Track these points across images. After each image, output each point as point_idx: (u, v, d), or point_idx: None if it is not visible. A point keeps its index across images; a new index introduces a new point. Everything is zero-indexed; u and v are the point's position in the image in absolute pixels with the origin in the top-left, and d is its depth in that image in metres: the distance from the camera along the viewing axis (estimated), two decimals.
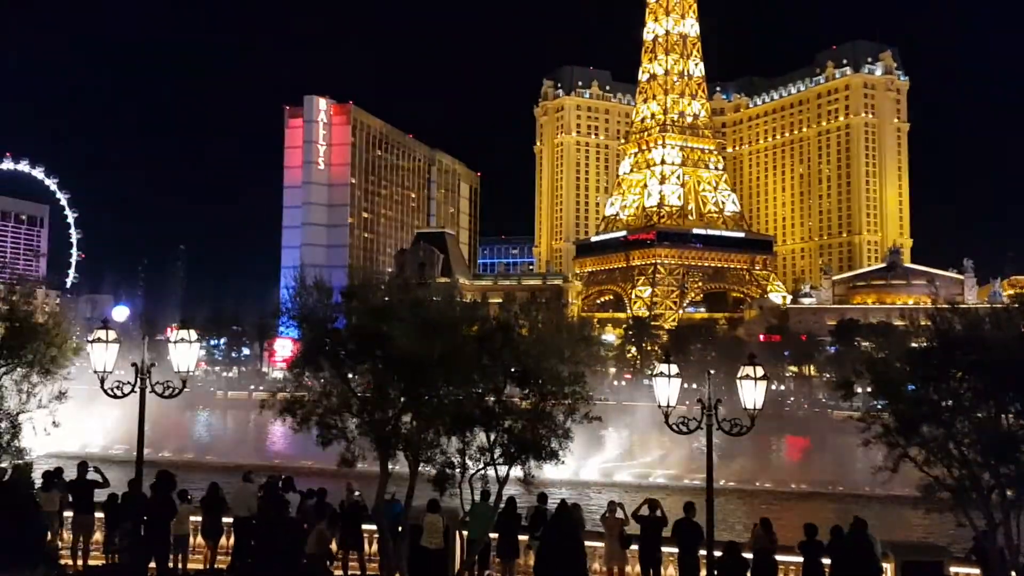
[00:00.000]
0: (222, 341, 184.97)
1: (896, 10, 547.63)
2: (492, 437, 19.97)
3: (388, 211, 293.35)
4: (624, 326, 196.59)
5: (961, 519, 19.74)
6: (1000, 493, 18.38)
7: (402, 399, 19.95)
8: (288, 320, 23.20)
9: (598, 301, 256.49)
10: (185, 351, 20.87)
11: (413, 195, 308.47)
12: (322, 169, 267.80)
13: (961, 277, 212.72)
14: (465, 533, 21.99)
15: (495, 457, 19.82)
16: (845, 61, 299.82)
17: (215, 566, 23.35)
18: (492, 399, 20.50)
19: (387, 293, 22.21)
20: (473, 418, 19.50)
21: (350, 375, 20.49)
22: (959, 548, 24.85)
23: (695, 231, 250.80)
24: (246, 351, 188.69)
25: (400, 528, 21.16)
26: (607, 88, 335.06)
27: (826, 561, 19.89)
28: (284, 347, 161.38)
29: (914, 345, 22.05)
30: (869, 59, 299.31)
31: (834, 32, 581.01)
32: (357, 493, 24.13)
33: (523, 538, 22.37)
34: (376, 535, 22.77)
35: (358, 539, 23.37)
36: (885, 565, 20.00)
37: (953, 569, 19.80)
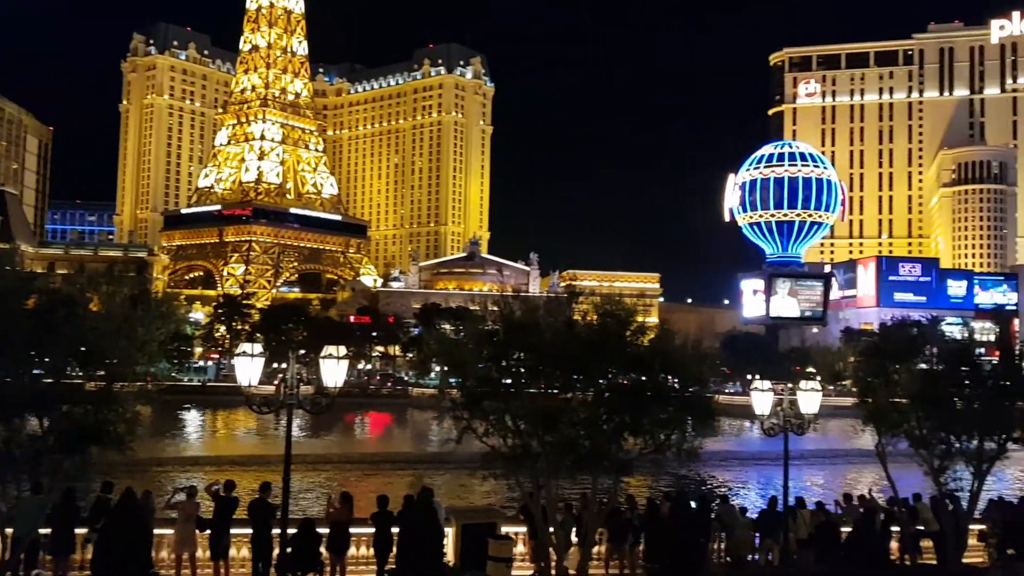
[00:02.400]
0: None
1: (488, 21, 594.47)
2: (47, 423, 18.00)
3: None
4: (214, 304, 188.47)
5: (512, 483, 22.27)
6: (545, 459, 20.93)
7: None
8: None
9: (187, 277, 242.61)
10: None
11: None
12: None
13: (528, 268, 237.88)
14: (9, 531, 19.51)
15: (49, 445, 17.90)
16: (440, 61, 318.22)
17: None
18: (49, 381, 18.50)
19: None
20: (23, 403, 17.40)
21: None
22: (511, 508, 28.00)
23: (293, 211, 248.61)
24: None
25: None
26: (206, 52, 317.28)
27: (396, 529, 21.14)
28: None
29: (483, 328, 24.14)
30: (461, 62, 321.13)
31: (433, 32, 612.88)
32: None
33: (82, 532, 20.50)
34: None
35: None
36: (448, 529, 21.78)
37: (505, 528, 22.17)
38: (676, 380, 21.83)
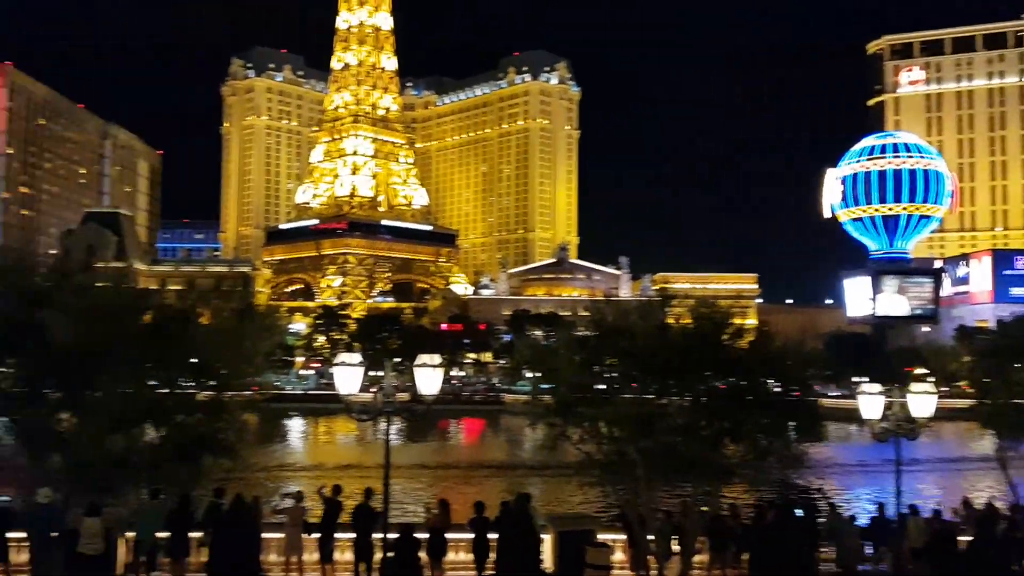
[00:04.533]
0: None
1: (572, 25, 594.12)
2: (163, 433, 18.93)
3: (53, 187, 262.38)
4: (313, 315, 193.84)
5: (608, 490, 22.17)
6: (642, 466, 20.75)
7: (57, 395, 18.23)
8: None
9: (287, 290, 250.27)
10: None
11: (83, 171, 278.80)
12: None
13: (618, 273, 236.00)
14: (131, 535, 20.60)
15: (166, 453, 18.81)
16: (525, 68, 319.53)
17: None
18: (165, 391, 19.44)
19: (45, 277, 20.13)
20: (141, 413, 18.33)
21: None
22: (608, 516, 27.86)
23: (385, 223, 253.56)
24: None
25: (56, 535, 19.34)
26: (300, 73, 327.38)
27: (493, 536, 21.32)
28: None
29: (575, 334, 24.10)
30: (546, 68, 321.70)
31: (518, 40, 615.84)
32: (5, 498, 21.66)
33: (196, 536, 21.45)
34: (26, 543, 20.57)
35: (3, 549, 20.97)
36: (545, 536, 21.84)
37: (602, 535, 22.07)
38: (777, 384, 21.36)
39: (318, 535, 21.77)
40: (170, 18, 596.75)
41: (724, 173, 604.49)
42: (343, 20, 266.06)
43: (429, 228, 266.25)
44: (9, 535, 20.69)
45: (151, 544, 20.47)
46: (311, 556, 22.05)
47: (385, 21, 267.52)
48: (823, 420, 21.41)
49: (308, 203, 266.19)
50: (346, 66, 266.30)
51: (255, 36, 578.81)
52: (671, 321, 22.88)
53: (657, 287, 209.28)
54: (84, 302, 18.59)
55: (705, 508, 22.22)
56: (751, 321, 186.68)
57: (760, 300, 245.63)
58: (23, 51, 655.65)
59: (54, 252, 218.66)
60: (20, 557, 21.04)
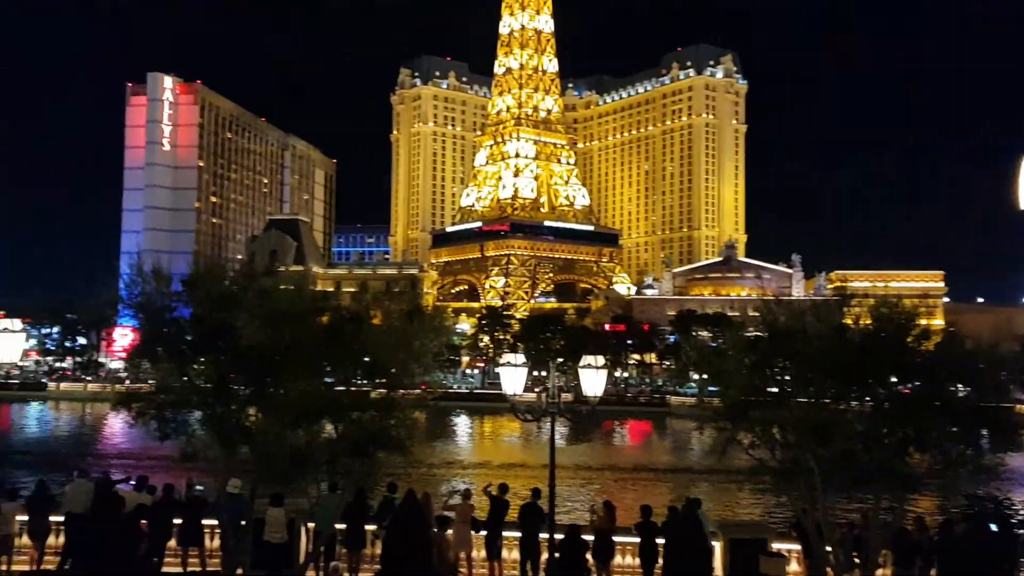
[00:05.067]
0: (55, 330, 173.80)
1: (737, 17, 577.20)
2: (340, 429, 19.81)
3: (239, 196, 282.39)
4: (478, 315, 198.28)
5: (782, 498, 21.23)
6: (819, 474, 19.76)
7: (245, 392, 19.47)
8: (125, 308, 22.11)
9: (453, 291, 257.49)
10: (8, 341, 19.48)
11: (266, 180, 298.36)
12: (167, 150, 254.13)
13: (790, 271, 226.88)
14: (311, 525, 21.72)
15: (343, 448, 19.67)
16: (689, 63, 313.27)
17: (42, 567, 22.06)
18: (341, 389, 20.32)
19: (234, 282, 21.56)
20: (320, 410, 19.27)
21: (193, 366, 19.83)
22: (781, 524, 26.74)
23: (547, 223, 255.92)
24: (82, 340, 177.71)
25: (244, 523, 20.67)
26: (464, 79, 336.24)
27: (661, 540, 20.92)
28: (124, 336, 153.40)
29: (744, 335, 23.26)
30: (711, 62, 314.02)
31: (679, 35, 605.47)
32: (199, 487, 23.38)
33: (371, 528, 22.33)
34: (218, 530, 22.13)
35: (199, 534, 22.66)
36: (715, 543, 21.21)
37: (776, 545, 21.22)
38: (968, 389, 19.76)
39: (485, 532, 22.12)
40: (343, 33, 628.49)
41: (905, 165, 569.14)
42: (505, 25, 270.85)
43: (591, 228, 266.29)
44: (204, 522, 22.35)
45: (329, 535, 21.51)
46: (479, 553, 22.43)
47: (546, 24, 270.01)
48: (1020, 428, 19.58)
49: (472, 206, 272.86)
50: (508, 70, 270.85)
51: (422, 44, 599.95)
52: (849, 322, 21.64)
53: (833, 286, 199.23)
54: (269, 305, 19.76)
55: (888, 519, 20.86)
56: (938, 322, 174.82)
57: (947, 299, 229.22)
58: (209, 67, 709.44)
59: (240, 257, 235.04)
60: (213, 543, 22.67)
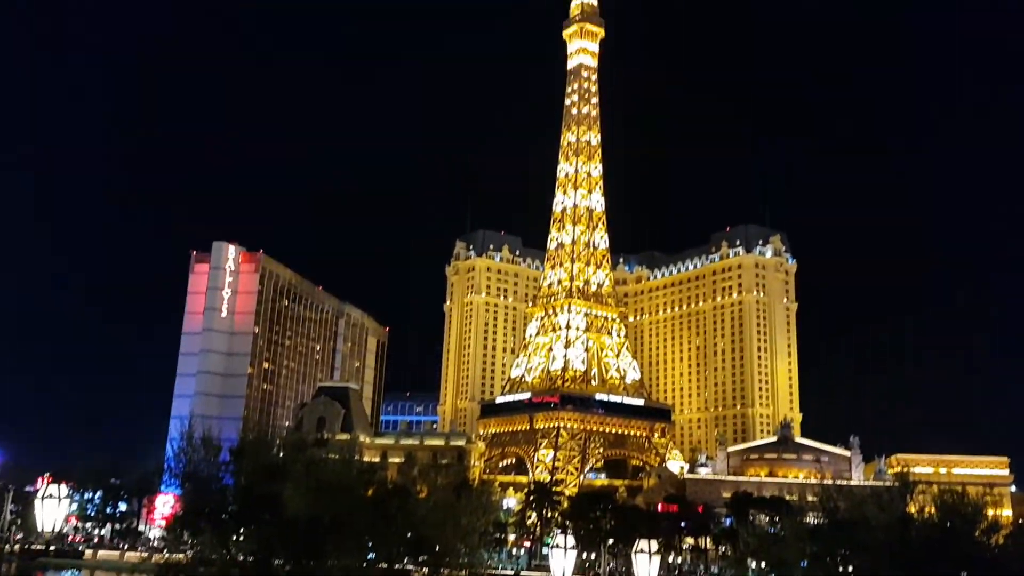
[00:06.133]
0: (97, 495, 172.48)
1: (786, 199, 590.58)
2: None
3: (291, 362, 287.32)
4: (525, 491, 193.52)
5: None
6: None
7: (286, 568, 19.11)
8: (171, 477, 22.22)
9: (501, 464, 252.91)
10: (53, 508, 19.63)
11: (318, 347, 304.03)
12: (224, 317, 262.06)
13: (848, 453, 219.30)
14: None
15: None
16: (738, 242, 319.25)
17: None
18: (384, 566, 19.85)
19: (281, 450, 21.66)
20: None
21: (235, 538, 19.62)
22: None
23: (598, 396, 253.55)
24: (123, 507, 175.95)
25: None
26: (517, 252, 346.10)
27: None
28: (166, 504, 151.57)
29: (803, 521, 22.44)
30: (760, 241, 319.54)
31: (726, 214, 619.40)
32: None
33: None
34: None
35: None
36: None
37: None
38: None
39: None
40: (400, 206, 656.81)
41: (966, 342, 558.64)
42: (558, 203, 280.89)
43: (641, 402, 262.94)
44: None
45: None
46: None
47: (598, 203, 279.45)
48: None
49: (522, 376, 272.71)
50: (560, 245, 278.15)
51: (478, 219, 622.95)
52: (913, 511, 20.76)
53: (894, 471, 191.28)
54: (316, 475, 19.75)
55: None
56: (1006, 512, 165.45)
57: (1014, 488, 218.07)
58: (272, 240, 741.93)
59: (288, 423, 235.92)
60: None
